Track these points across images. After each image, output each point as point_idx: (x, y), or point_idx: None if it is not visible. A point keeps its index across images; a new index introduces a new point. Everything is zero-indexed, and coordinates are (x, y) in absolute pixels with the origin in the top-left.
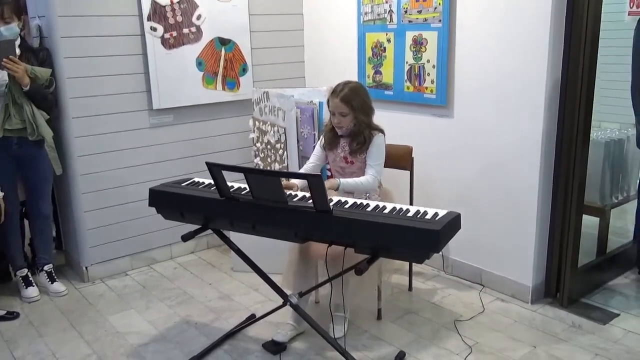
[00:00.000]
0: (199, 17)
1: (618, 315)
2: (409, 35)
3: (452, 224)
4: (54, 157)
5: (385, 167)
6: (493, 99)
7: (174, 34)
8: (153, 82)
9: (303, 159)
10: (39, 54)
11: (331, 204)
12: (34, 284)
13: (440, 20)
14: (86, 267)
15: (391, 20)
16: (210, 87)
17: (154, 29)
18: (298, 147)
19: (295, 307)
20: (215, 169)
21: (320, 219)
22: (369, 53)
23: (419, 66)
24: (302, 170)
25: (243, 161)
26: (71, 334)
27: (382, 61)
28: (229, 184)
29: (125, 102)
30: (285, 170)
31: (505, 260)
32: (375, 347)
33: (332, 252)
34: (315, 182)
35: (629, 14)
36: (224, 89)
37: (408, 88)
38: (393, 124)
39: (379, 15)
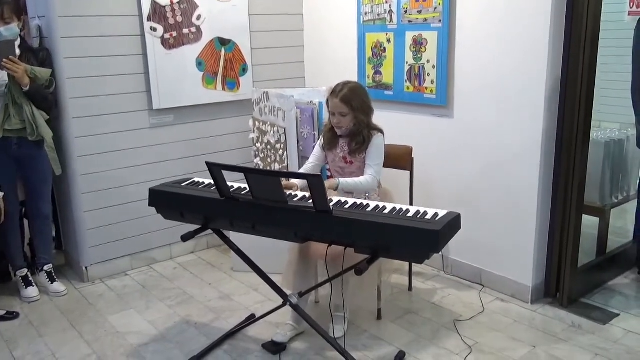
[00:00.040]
0: (199, 17)
1: (618, 315)
2: (409, 36)
3: (452, 224)
4: (54, 158)
5: (385, 167)
6: (493, 99)
7: (174, 34)
8: (153, 83)
9: (303, 159)
10: (39, 54)
11: (331, 204)
12: (33, 284)
13: (440, 21)
14: (86, 267)
15: (391, 20)
16: (210, 87)
17: (154, 29)
18: (298, 147)
19: (295, 307)
20: (215, 169)
21: (320, 219)
22: (369, 53)
23: (419, 66)
24: (301, 171)
25: (243, 161)
26: (71, 334)
27: (382, 61)
28: (229, 184)
29: (126, 102)
30: (285, 170)
31: (505, 260)
32: (375, 347)
33: (332, 252)
34: (315, 182)
35: (629, 14)
36: (224, 89)
37: (408, 88)
38: (393, 124)
39: (379, 15)
